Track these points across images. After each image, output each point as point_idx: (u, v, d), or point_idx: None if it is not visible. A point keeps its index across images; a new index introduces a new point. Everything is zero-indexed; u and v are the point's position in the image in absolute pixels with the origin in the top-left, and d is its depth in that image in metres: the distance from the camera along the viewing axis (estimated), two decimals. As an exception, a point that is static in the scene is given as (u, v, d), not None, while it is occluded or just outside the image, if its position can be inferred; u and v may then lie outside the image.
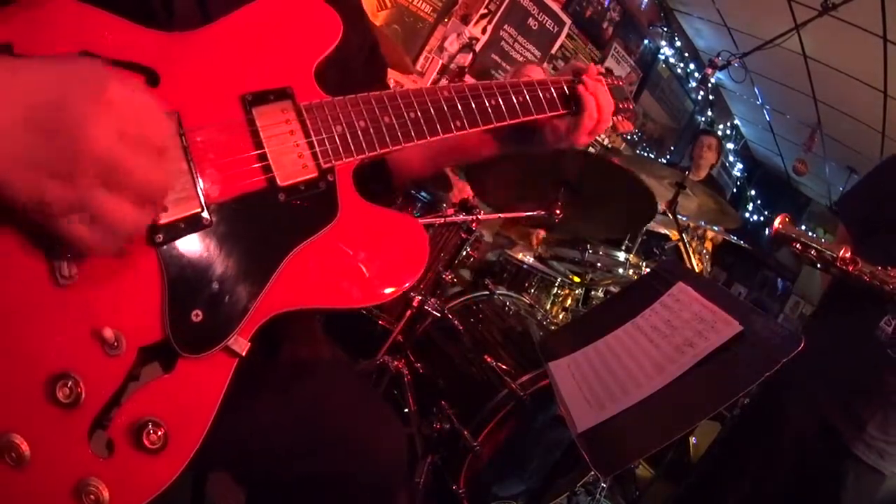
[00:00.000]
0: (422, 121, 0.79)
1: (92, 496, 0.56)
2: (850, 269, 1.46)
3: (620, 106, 1.05)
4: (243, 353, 0.64)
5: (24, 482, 0.54)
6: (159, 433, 0.59)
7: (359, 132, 0.74)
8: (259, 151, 0.67)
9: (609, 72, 1.07)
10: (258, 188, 0.67)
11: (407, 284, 0.75)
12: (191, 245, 0.62)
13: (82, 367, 0.56)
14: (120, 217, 0.52)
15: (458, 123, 0.83)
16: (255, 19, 0.72)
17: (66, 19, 0.60)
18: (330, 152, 0.72)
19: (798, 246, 1.53)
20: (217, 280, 0.63)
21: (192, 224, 0.62)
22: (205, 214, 0.63)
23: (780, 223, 1.56)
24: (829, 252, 1.49)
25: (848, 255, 1.46)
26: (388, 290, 0.74)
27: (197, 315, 0.62)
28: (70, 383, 0.55)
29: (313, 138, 0.71)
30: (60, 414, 0.55)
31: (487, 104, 0.87)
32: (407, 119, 0.77)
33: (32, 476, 0.54)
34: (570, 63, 1.02)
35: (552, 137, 1.00)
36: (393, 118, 0.76)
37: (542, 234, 3.12)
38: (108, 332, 0.57)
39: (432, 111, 0.80)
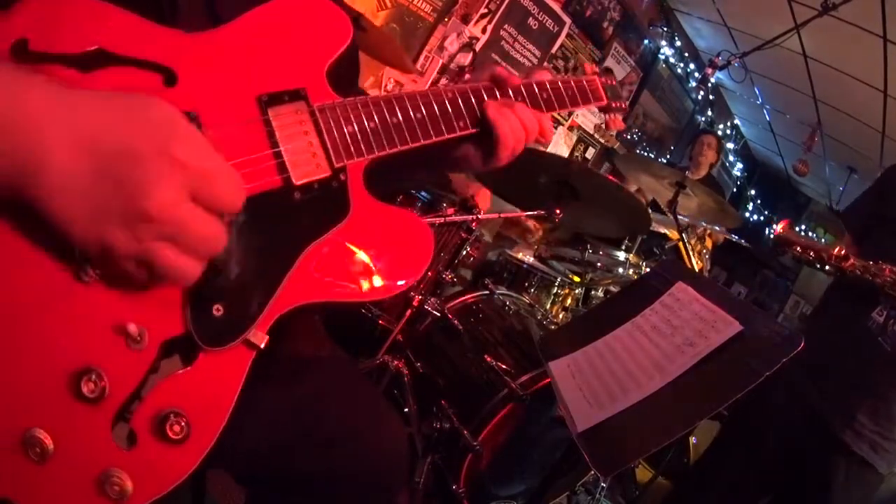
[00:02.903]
0: (427, 122, 0.81)
1: (116, 487, 0.57)
2: (844, 265, 1.55)
3: (613, 105, 1.06)
4: (262, 346, 0.66)
5: (47, 476, 0.54)
6: (182, 424, 0.60)
7: (369, 132, 0.75)
8: (275, 150, 0.69)
9: (607, 71, 1.07)
10: (274, 187, 0.68)
11: (413, 279, 0.77)
12: None
13: (106, 362, 0.57)
14: (181, 270, 0.54)
15: (462, 123, 0.84)
16: (268, 20, 0.73)
17: (81, 14, 0.60)
18: (342, 152, 0.73)
19: (798, 249, 1.63)
20: (237, 276, 0.65)
21: None
22: None
23: (782, 228, 1.65)
24: (824, 252, 1.58)
25: (842, 252, 1.55)
26: (397, 284, 0.77)
27: (218, 309, 0.63)
28: (94, 377, 0.56)
29: (326, 138, 0.72)
30: (85, 408, 0.56)
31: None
32: (414, 120, 0.80)
33: (56, 470, 0.55)
34: (489, 70, 0.89)
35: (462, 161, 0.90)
36: (401, 119, 0.78)
37: (538, 230, 3.11)
38: (133, 327, 0.58)
39: (437, 112, 0.82)
